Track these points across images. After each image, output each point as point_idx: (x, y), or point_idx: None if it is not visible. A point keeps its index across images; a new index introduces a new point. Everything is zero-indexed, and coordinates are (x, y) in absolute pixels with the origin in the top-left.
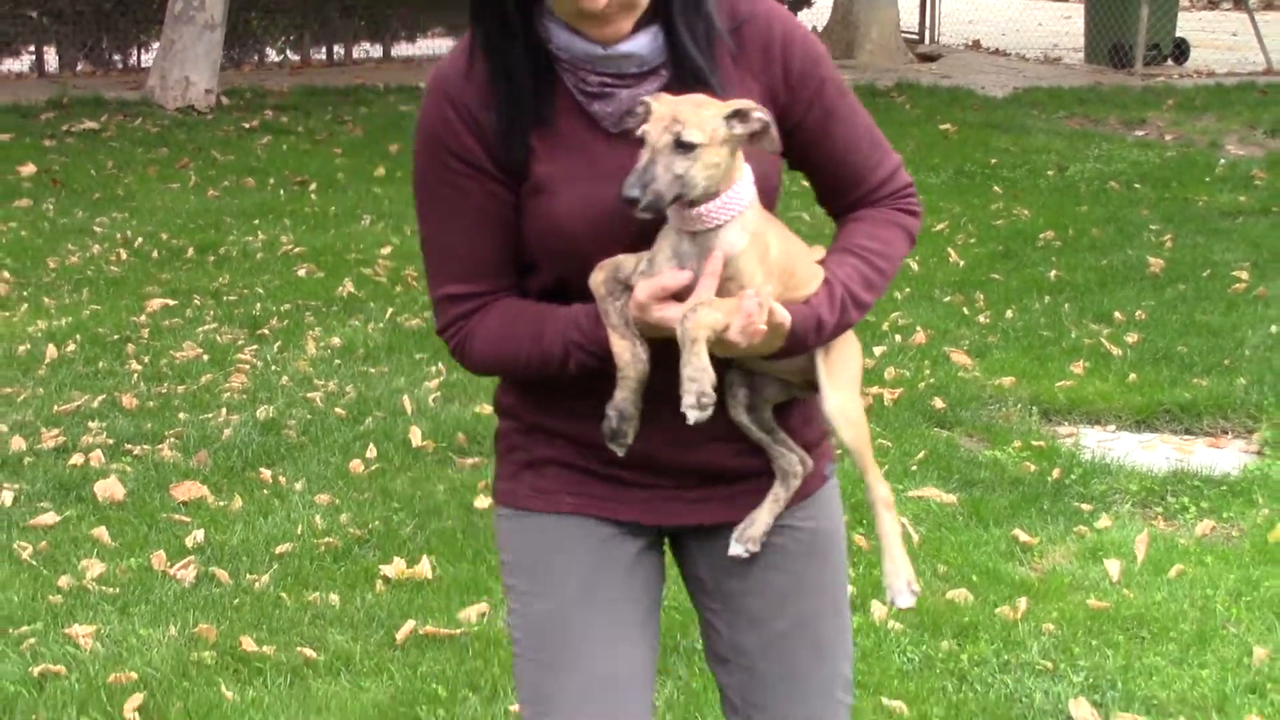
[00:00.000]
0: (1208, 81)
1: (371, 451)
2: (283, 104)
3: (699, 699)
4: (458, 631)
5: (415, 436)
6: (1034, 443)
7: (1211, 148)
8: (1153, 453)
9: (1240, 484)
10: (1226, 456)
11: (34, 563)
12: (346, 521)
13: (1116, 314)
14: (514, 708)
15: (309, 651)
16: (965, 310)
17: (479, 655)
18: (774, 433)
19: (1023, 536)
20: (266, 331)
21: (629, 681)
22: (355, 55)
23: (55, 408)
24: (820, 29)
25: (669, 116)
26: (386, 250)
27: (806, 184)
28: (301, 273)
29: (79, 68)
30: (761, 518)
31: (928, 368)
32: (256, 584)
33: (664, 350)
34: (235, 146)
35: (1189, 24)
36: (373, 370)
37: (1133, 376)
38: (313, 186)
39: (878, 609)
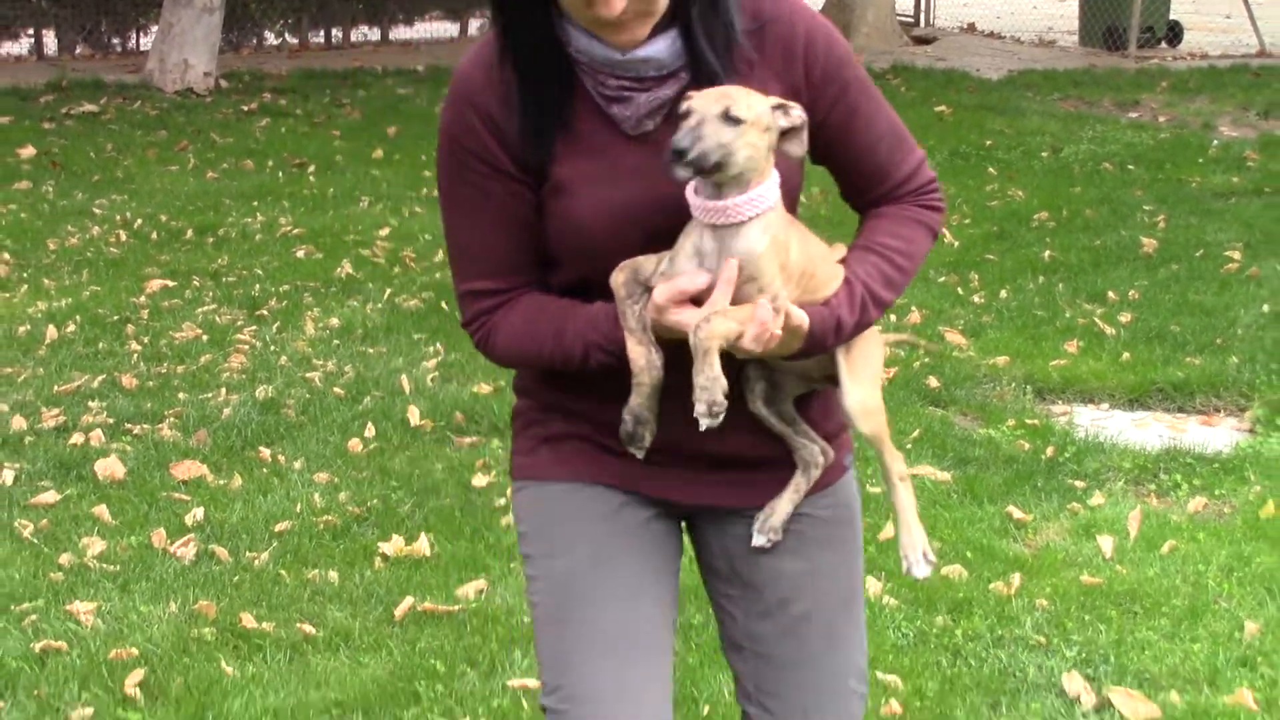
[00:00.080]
0: (1201, 64)
1: (370, 430)
2: (281, 87)
3: (695, 674)
4: (455, 608)
5: (413, 416)
6: (1028, 421)
7: (1205, 129)
8: (1146, 431)
9: (1232, 461)
10: (1219, 434)
11: (35, 541)
12: (345, 500)
13: (1110, 294)
14: (512, 682)
15: (308, 628)
16: (960, 290)
17: (476, 631)
18: (795, 424)
19: (1017, 513)
20: (265, 312)
21: (648, 638)
22: (353, 39)
23: (55, 388)
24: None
25: (719, 93)
26: (384, 232)
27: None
28: (300, 254)
29: (78, 51)
30: (782, 507)
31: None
32: (256, 561)
33: (683, 346)
34: (234, 129)
35: (1182, 6)
36: (371, 350)
37: (1126, 355)
38: (311, 169)
39: (872, 585)
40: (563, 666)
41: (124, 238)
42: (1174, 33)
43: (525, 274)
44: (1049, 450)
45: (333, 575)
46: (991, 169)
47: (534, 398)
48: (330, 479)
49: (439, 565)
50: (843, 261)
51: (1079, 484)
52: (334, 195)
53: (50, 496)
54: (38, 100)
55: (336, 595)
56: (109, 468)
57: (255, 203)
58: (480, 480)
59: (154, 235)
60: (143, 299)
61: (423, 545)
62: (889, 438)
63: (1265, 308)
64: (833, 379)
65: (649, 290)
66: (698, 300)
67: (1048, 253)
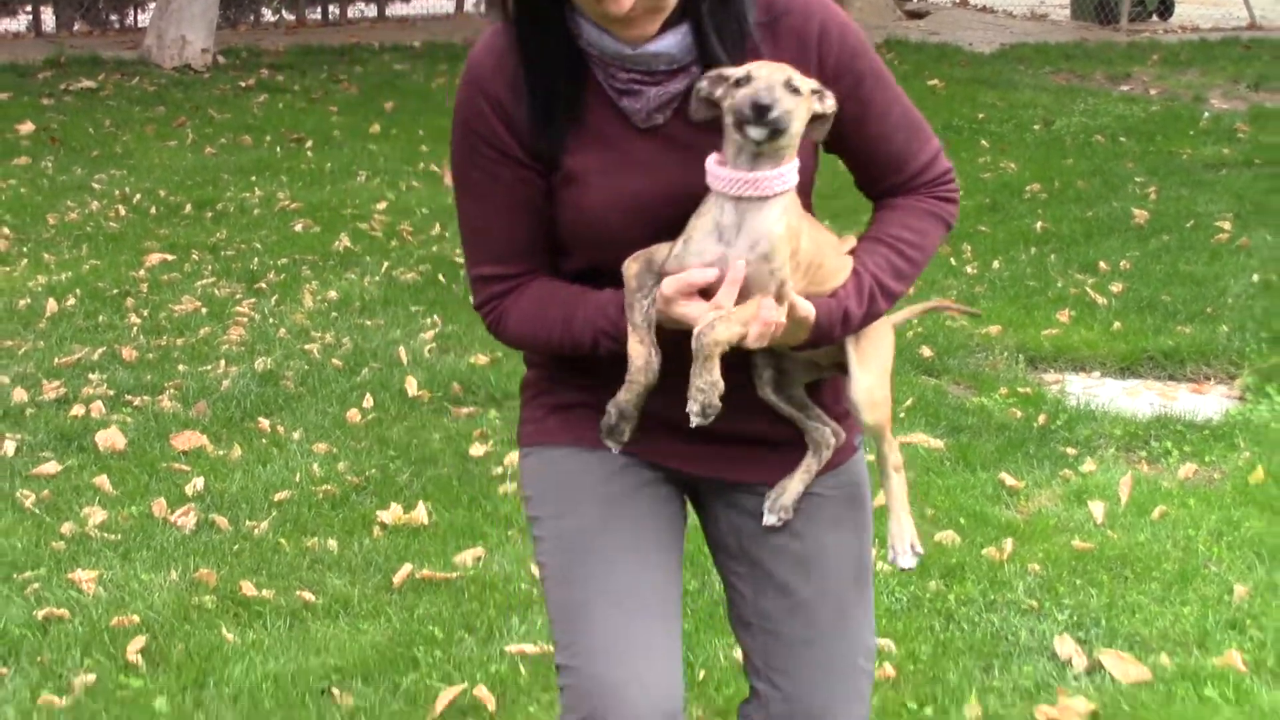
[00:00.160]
0: (1192, 37)
1: (368, 401)
2: (278, 63)
3: (690, 640)
4: (453, 575)
5: (411, 386)
6: (1020, 389)
7: (1196, 102)
8: (1137, 398)
9: (1222, 428)
10: (1209, 402)
11: (37, 510)
12: (344, 469)
13: (1101, 264)
14: (509, 648)
15: (308, 595)
16: (953, 261)
17: (474, 598)
18: (806, 408)
19: (1009, 480)
20: (264, 285)
21: (657, 594)
22: (350, 15)
23: (56, 360)
24: None
25: (775, 65)
26: (382, 206)
27: None
28: (298, 228)
29: (76, 27)
30: (793, 487)
31: (916, 317)
32: (256, 530)
33: (689, 334)
34: (232, 105)
35: None
36: (369, 322)
37: (1117, 325)
38: (309, 144)
39: None
40: (573, 624)
41: (123, 212)
42: (1165, 6)
43: (536, 259)
44: (1041, 418)
45: (332, 543)
46: (984, 142)
47: (544, 368)
48: (329, 449)
49: (437, 533)
50: (852, 252)
51: (1071, 451)
52: (331, 170)
53: (51, 467)
54: (36, 77)
55: (335, 563)
56: (109, 439)
57: (253, 177)
58: (478, 449)
59: (153, 210)
60: (142, 273)
61: (421, 514)
62: (890, 431)
63: (1255, 277)
64: (842, 367)
65: (660, 279)
66: (706, 293)
67: (1040, 224)
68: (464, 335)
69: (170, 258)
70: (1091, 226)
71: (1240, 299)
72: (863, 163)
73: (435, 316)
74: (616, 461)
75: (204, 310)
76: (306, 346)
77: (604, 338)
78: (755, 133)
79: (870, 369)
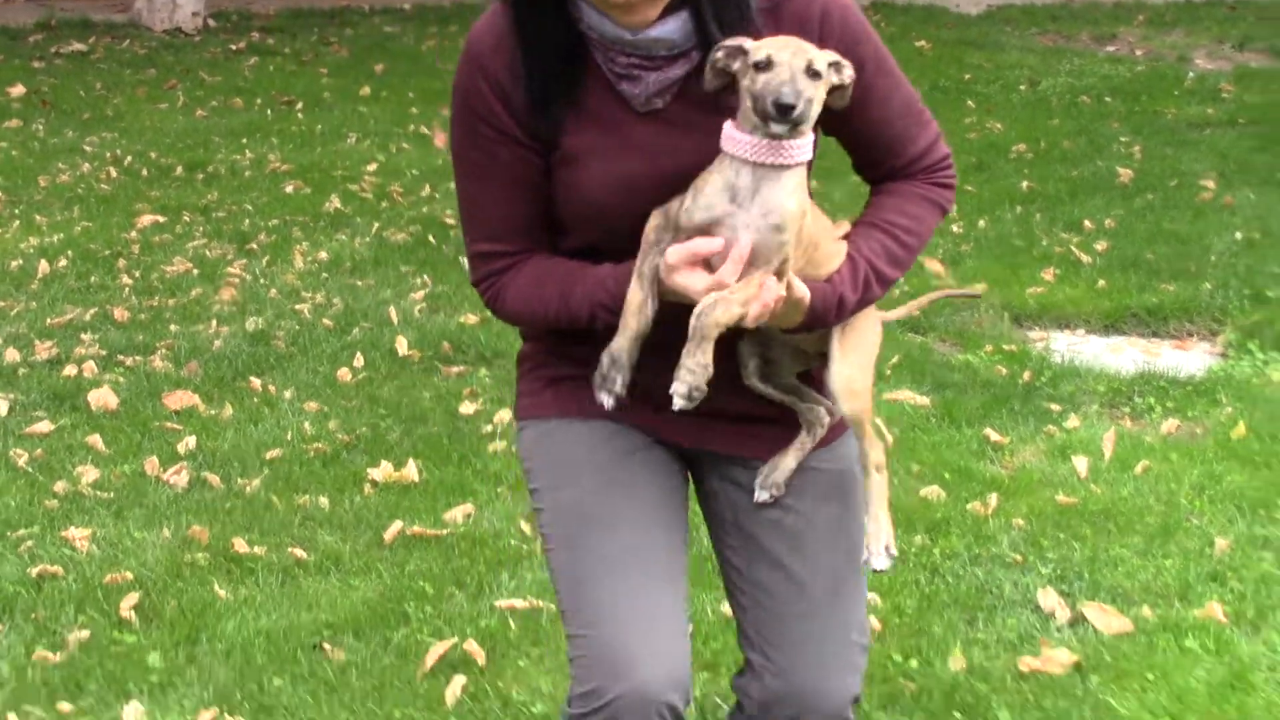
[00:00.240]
0: None
1: (359, 360)
2: (269, 26)
3: None
4: (444, 532)
5: (401, 346)
6: (1005, 347)
7: (1180, 62)
8: (1120, 355)
9: (1204, 384)
10: (1192, 358)
11: (30, 469)
12: (335, 428)
13: (1086, 223)
14: (499, 603)
15: (299, 552)
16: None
17: (464, 554)
18: (797, 391)
19: (994, 436)
20: (255, 246)
21: (660, 557)
22: None
23: (48, 321)
24: None
25: (795, 45)
26: (372, 167)
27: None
28: (289, 189)
29: None
30: (786, 463)
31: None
32: (248, 488)
33: (686, 307)
34: (222, 68)
35: None
36: (359, 283)
37: (1101, 282)
38: (299, 106)
39: None
40: (579, 592)
41: (114, 174)
42: None
43: (533, 237)
44: (1026, 375)
45: (323, 501)
46: (970, 102)
47: (540, 341)
48: (320, 408)
49: (427, 490)
50: (847, 236)
51: (1055, 407)
52: (322, 132)
53: (44, 426)
54: (26, 40)
55: (327, 520)
56: (102, 398)
57: (244, 140)
58: (468, 408)
59: (144, 172)
60: (133, 234)
61: (411, 471)
62: (871, 427)
63: (1238, 235)
64: (825, 356)
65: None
66: (710, 264)
67: (1025, 183)
68: (454, 295)
69: (161, 219)
70: (1077, 186)
71: (1223, 257)
72: (862, 147)
73: (425, 276)
74: (611, 429)
75: (195, 271)
76: (297, 307)
77: (602, 311)
78: (778, 129)
79: (851, 358)
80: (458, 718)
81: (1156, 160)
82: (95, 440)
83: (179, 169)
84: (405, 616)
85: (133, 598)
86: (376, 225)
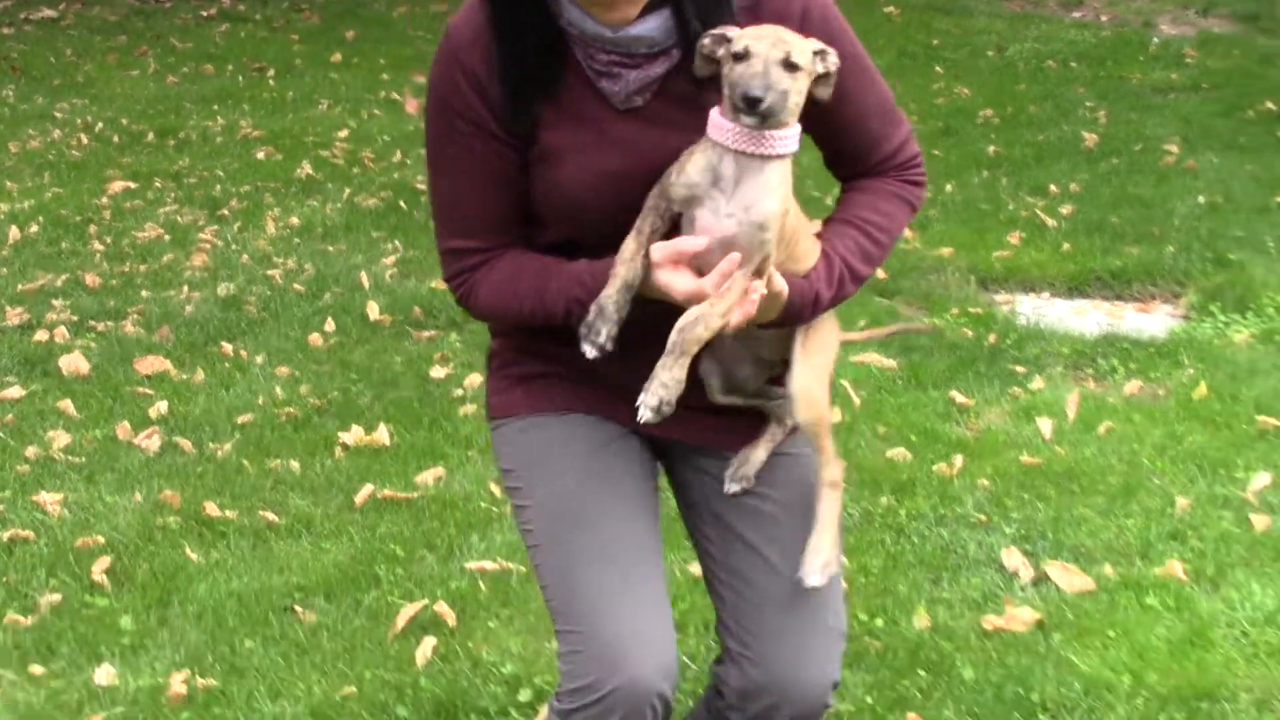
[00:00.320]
0: None
1: (330, 325)
2: None
3: None
4: (414, 495)
5: (372, 311)
6: (971, 310)
7: (1145, 27)
8: (1084, 318)
9: (1167, 346)
10: (1154, 320)
11: (1, 434)
12: (306, 392)
13: (1052, 187)
14: (469, 565)
15: (271, 515)
16: None
17: (435, 517)
18: (763, 391)
19: (959, 398)
20: (226, 212)
21: (641, 546)
22: None
23: (19, 286)
24: None
25: (774, 36)
26: (343, 133)
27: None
28: (260, 155)
29: None
30: (757, 456)
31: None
32: (219, 452)
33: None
34: (193, 34)
35: None
36: (331, 248)
37: (1066, 246)
38: (270, 72)
39: None
40: (568, 587)
41: (85, 141)
42: None
43: (509, 233)
44: (991, 337)
45: (294, 465)
46: (939, 68)
47: (509, 338)
48: (291, 372)
49: (398, 454)
50: (820, 234)
51: (1020, 369)
52: (293, 98)
53: (15, 392)
54: None
55: (298, 484)
56: (73, 363)
57: (215, 106)
58: (438, 372)
59: (115, 138)
60: (105, 200)
61: (382, 435)
62: (829, 440)
63: (1201, 199)
64: (788, 363)
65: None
66: (701, 269)
67: (992, 148)
68: (425, 260)
69: (133, 185)
70: (1042, 150)
71: (1186, 220)
72: (835, 144)
73: (396, 242)
74: (586, 422)
75: (167, 237)
76: (269, 272)
77: (577, 306)
78: (747, 120)
79: (811, 365)
80: (428, 678)
81: (1121, 125)
82: (66, 405)
83: (150, 135)
84: (376, 579)
85: (104, 561)
86: (348, 191)
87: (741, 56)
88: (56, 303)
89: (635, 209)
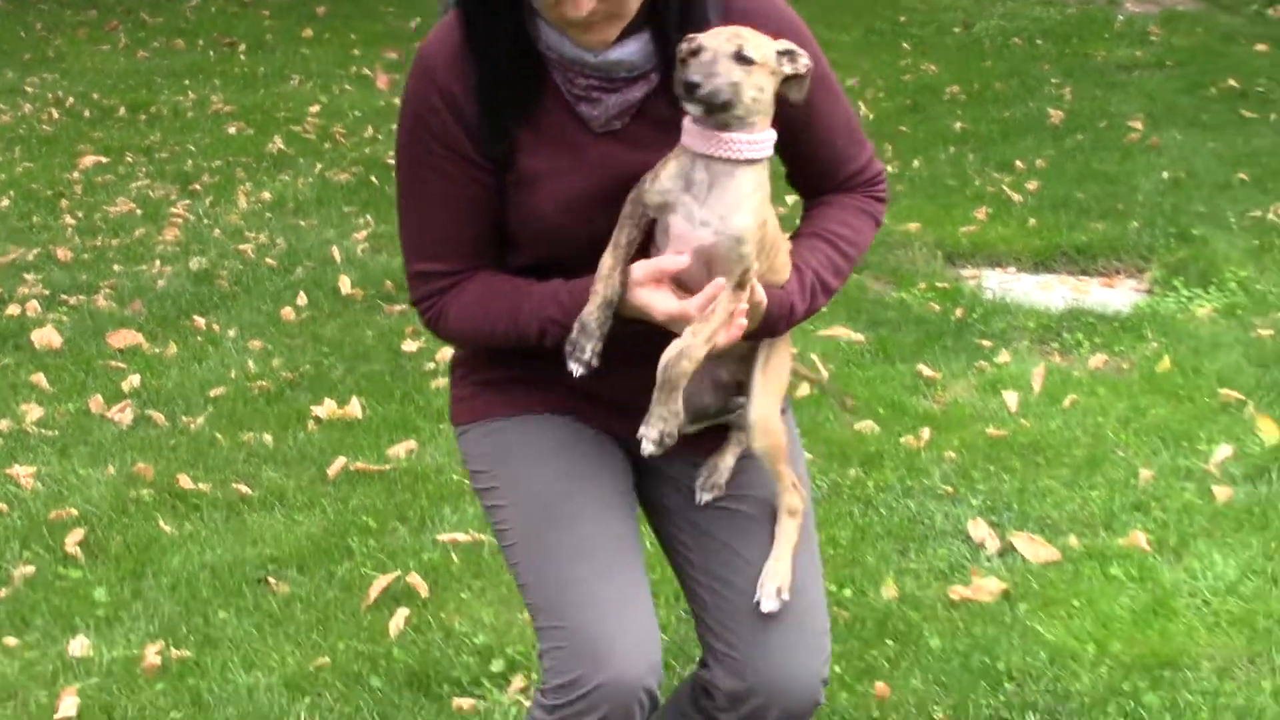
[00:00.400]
0: None
1: (302, 299)
2: None
3: None
4: (387, 467)
5: (344, 285)
6: (938, 284)
7: (1110, 5)
8: (1050, 292)
9: (1131, 320)
10: (1119, 295)
11: None
12: (279, 366)
13: (1018, 163)
14: (441, 536)
15: (244, 488)
16: None
17: (407, 489)
18: (722, 409)
19: (927, 371)
20: (198, 187)
21: (622, 542)
22: None
23: None
24: None
25: (730, 32)
26: (315, 109)
27: None
28: (232, 130)
29: None
30: (725, 463)
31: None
32: (192, 425)
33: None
34: (164, 9)
35: None
36: (302, 223)
37: (1032, 221)
38: (241, 48)
39: None
40: (549, 585)
41: (56, 115)
42: None
43: (480, 256)
44: (958, 312)
45: (267, 437)
46: (906, 44)
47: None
48: (264, 346)
49: (370, 427)
50: (790, 250)
51: (986, 343)
52: (264, 74)
53: None
54: None
55: (271, 456)
56: (46, 337)
57: (186, 81)
58: (410, 346)
59: (86, 113)
60: (76, 175)
61: (354, 408)
62: (786, 466)
63: (1164, 175)
64: (742, 387)
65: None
66: (688, 289)
67: (959, 124)
68: (396, 235)
69: (104, 160)
70: (1009, 126)
71: (1150, 196)
72: (803, 162)
73: (368, 216)
74: (555, 421)
75: (139, 211)
76: (241, 246)
77: (553, 326)
78: (692, 109)
79: (769, 394)
80: (401, 649)
81: (1086, 101)
82: (39, 379)
83: (121, 110)
84: (349, 550)
85: (78, 533)
86: (319, 166)
87: (695, 52)
88: (28, 277)
89: (610, 230)
